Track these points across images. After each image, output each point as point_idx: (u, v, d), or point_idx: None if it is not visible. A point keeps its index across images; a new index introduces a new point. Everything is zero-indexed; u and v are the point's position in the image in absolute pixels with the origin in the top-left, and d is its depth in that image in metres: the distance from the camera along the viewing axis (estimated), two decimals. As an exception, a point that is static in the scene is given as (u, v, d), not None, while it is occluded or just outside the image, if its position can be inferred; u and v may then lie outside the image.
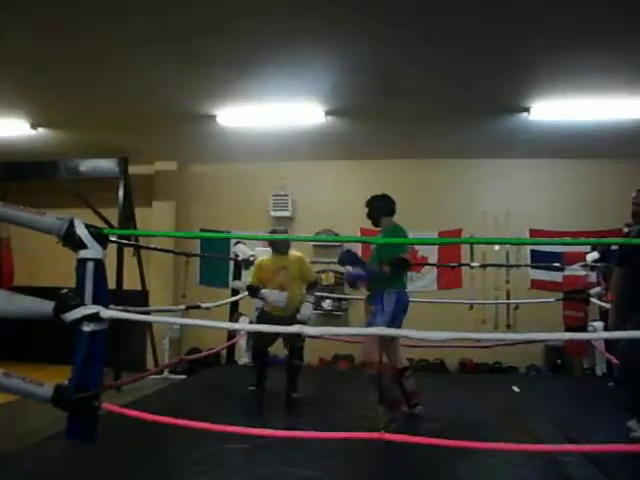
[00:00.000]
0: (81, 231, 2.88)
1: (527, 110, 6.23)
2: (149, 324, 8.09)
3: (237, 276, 6.96)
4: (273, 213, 8.91)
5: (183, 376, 7.71)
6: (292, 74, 5.54)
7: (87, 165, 7.99)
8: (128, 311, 3.55)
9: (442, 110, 6.47)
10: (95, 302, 2.86)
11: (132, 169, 8.18)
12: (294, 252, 5.21)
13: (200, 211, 9.14)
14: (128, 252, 7.74)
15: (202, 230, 8.86)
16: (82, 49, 5.04)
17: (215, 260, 8.85)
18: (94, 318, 2.83)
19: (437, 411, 4.40)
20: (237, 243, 6.81)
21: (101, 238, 2.91)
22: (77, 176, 7.97)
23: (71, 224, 2.89)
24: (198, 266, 9.12)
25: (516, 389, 5.55)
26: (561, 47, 4.81)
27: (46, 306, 2.85)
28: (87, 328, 2.83)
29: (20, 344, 7.99)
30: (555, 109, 6.17)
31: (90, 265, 2.88)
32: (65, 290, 2.91)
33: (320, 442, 3.31)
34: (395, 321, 4.21)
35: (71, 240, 2.88)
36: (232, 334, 6.79)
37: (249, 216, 8.85)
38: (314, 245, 8.83)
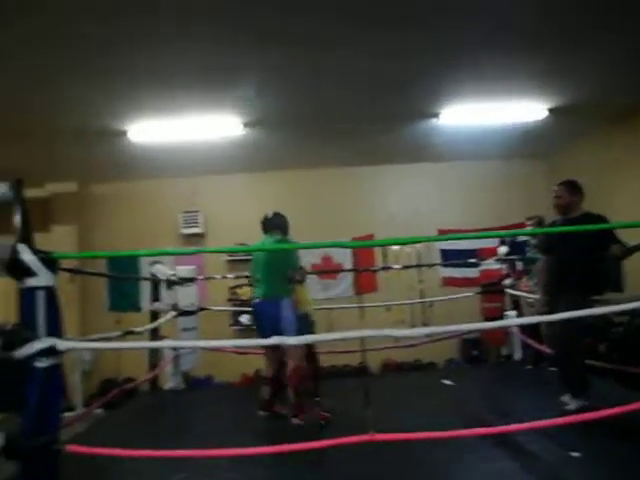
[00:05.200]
0: (28, 257, 2.63)
1: (436, 115, 6.54)
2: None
3: (156, 297, 6.61)
4: (183, 230, 8.64)
5: (99, 410, 7.16)
6: (209, 86, 5.41)
7: (-28, 191, 7.25)
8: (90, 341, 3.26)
9: (353, 118, 6.60)
10: (50, 334, 2.60)
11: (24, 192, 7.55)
12: None
13: (104, 233, 8.62)
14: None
15: (109, 253, 8.36)
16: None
17: (123, 283, 8.38)
18: (49, 352, 2.58)
19: (385, 412, 4.47)
20: (154, 263, 6.49)
21: (51, 263, 2.67)
22: (-39, 203, 7.20)
23: (14, 250, 2.63)
24: (106, 292, 8.57)
25: (447, 382, 5.74)
26: (466, 54, 5.07)
27: (-11, 344, 2.55)
28: (42, 364, 2.57)
29: None
30: (462, 113, 6.53)
31: (40, 294, 2.62)
32: (10, 324, 2.63)
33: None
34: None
35: (16, 268, 2.61)
36: (154, 362, 6.42)
37: (158, 235, 8.50)
38: (227, 260, 8.67)
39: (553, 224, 4.35)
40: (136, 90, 5.37)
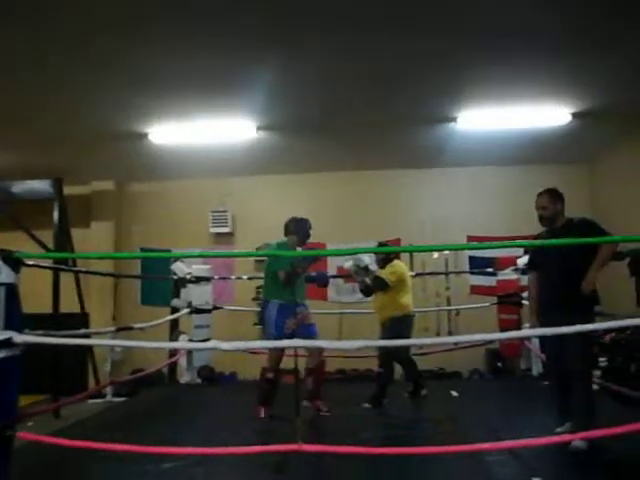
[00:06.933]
0: (-11, 256, 2.81)
1: (454, 120, 6.43)
2: (90, 348, 7.91)
3: (176, 294, 6.86)
4: (212, 229, 8.88)
5: (126, 398, 7.51)
6: (222, 91, 5.57)
7: (20, 187, 7.81)
8: (50, 335, 3.46)
9: (374, 122, 6.61)
10: (8, 327, 2.79)
11: (68, 189, 8.03)
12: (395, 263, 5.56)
13: (139, 230, 9.01)
14: (68, 275, 7.55)
15: (142, 249, 8.72)
16: (6, 67, 4.93)
17: (156, 279, 8.72)
18: (6, 344, 2.76)
19: (370, 418, 4.52)
20: (175, 261, 6.74)
21: (13, 262, 2.85)
22: (9, 198, 7.76)
23: (-22, 249, 2.82)
24: (139, 286, 8.96)
25: (454, 393, 5.64)
26: (483, 56, 4.98)
27: (-45, 334, 2.76)
28: (-1, 355, 2.75)
29: None
30: (480, 118, 6.41)
31: (1, 290, 2.81)
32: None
33: (253, 457, 3.27)
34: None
35: (-20, 265, 2.81)
36: (173, 353, 6.68)
37: (188, 233, 8.80)
38: (256, 260, 8.82)
39: (538, 237, 4.04)
40: (154, 95, 5.62)
